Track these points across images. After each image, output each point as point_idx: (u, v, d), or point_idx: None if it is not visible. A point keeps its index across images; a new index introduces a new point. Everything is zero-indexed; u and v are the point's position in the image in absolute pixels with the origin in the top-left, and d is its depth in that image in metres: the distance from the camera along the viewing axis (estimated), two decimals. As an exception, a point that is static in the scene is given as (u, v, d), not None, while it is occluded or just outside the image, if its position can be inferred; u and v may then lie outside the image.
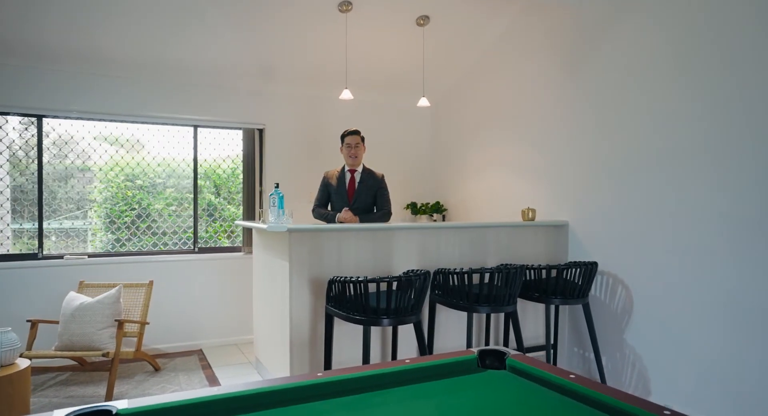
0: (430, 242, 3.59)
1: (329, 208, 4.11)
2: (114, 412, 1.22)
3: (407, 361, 1.62)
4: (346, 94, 4.22)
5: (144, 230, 4.81)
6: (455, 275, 3.17)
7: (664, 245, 3.25)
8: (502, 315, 3.86)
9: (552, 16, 4.12)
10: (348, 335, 3.29)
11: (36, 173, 4.39)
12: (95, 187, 4.76)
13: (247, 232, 4.97)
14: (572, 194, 3.93)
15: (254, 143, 5.08)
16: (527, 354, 3.89)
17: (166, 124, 4.79)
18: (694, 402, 3.08)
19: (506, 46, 4.62)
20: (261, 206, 5.01)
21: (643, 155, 3.38)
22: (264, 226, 3.24)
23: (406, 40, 4.61)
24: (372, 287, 3.14)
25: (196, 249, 4.88)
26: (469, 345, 3.11)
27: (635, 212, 3.44)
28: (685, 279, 3.13)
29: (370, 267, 3.39)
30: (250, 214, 5.06)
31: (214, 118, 4.87)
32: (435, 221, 5.36)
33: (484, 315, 3.78)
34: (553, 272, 3.67)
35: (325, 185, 4.11)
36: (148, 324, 4.01)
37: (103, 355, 3.49)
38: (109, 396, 3.46)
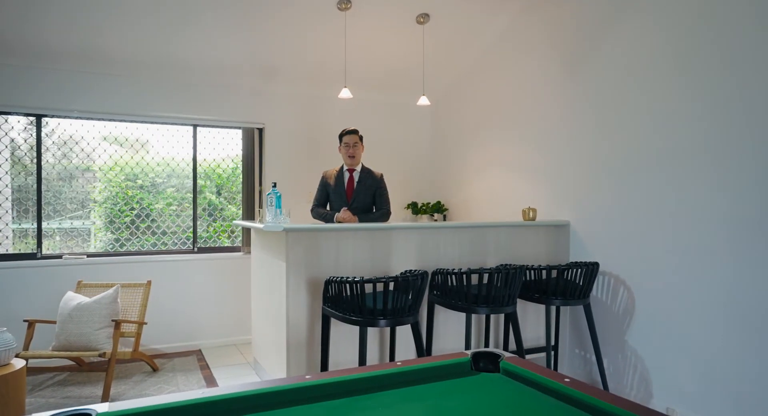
0: (430, 242, 3.55)
1: (328, 208, 4.08)
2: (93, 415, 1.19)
3: (399, 363, 1.59)
4: (345, 93, 4.19)
5: (143, 230, 4.79)
6: (454, 276, 3.13)
7: (667, 246, 3.20)
8: (502, 316, 3.82)
9: (552, 14, 4.08)
10: (345, 336, 3.26)
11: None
12: (94, 187, 4.74)
13: (247, 232, 4.95)
14: (574, 194, 3.88)
15: (253, 142, 5.06)
16: (527, 356, 3.87)
17: (166, 123, 4.78)
18: (696, 403, 3.03)
19: (507, 44, 4.58)
20: (261, 206, 4.99)
21: (645, 154, 3.34)
22: (260, 225, 3.22)
23: (406, 39, 4.57)
24: (370, 287, 3.11)
25: (196, 249, 4.86)
26: (467, 346, 3.08)
27: (637, 212, 3.39)
28: (688, 280, 3.08)
29: (368, 267, 3.35)
30: (249, 214, 5.04)
31: (214, 117, 4.85)
32: (436, 220, 5.32)
33: (484, 316, 3.74)
34: (554, 273, 3.62)
35: (324, 184, 4.08)
36: (145, 324, 3.99)
37: (100, 355, 3.47)
38: (105, 397, 3.44)
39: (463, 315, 3.55)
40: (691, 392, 3.06)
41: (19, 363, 3.08)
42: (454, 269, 3.14)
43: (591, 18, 3.73)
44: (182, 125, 4.84)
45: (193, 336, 4.74)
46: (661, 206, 3.24)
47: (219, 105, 4.86)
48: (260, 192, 5.04)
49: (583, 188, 3.80)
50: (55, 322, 3.76)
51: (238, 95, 4.93)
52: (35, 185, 4.38)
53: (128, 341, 4.10)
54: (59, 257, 4.36)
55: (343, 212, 3.83)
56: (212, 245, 5.02)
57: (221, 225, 5.10)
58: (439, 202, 5.41)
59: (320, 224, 3.38)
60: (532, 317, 3.93)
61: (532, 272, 3.47)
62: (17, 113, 4.28)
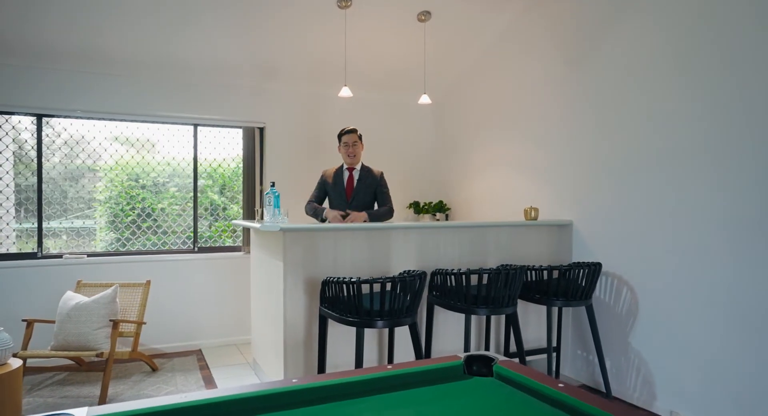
0: (429, 242, 3.51)
1: (327, 206, 4.05)
2: (70, 421, 1.16)
3: (389, 367, 1.55)
4: (345, 92, 4.15)
5: (144, 230, 4.78)
6: (453, 276, 3.08)
7: (669, 246, 3.15)
8: (503, 318, 3.77)
9: (554, 13, 4.02)
10: (343, 337, 3.22)
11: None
12: (96, 187, 4.73)
13: (248, 232, 4.92)
14: (577, 194, 3.83)
15: (254, 141, 5.04)
16: (529, 358, 3.82)
17: (166, 123, 4.76)
18: (700, 406, 2.97)
19: (508, 43, 4.52)
20: (261, 206, 4.96)
21: (647, 154, 3.28)
22: (257, 225, 3.19)
23: (408, 37, 4.53)
24: (368, 288, 3.07)
25: (196, 249, 4.84)
26: (466, 348, 3.03)
27: (640, 212, 3.33)
28: (689, 280, 3.02)
29: (366, 268, 3.32)
30: (250, 213, 5.02)
31: (214, 116, 4.83)
32: (438, 220, 5.28)
33: (484, 318, 3.70)
34: (555, 273, 3.57)
35: (322, 183, 4.05)
36: (144, 324, 3.97)
37: (97, 356, 3.46)
38: (102, 397, 3.42)
39: (463, 316, 3.51)
40: (694, 394, 3.00)
41: (15, 363, 3.06)
42: (453, 269, 3.10)
43: (592, 17, 3.68)
44: (183, 124, 4.82)
45: (194, 336, 4.72)
46: (663, 206, 3.18)
47: (219, 104, 4.84)
48: (261, 192, 5.02)
49: (586, 187, 3.74)
50: (53, 322, 3.75)
51: (239, 95, 4.91)
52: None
53: (128, 341, 4.09)
54: (60, 256, 4.35)
55: (352, 214, 3.69)
56: (213, 245, 5.00)
57: (222, 225, 5.08)
58: (441, 201, 5.36)
59: (318, 224, 3.34)
60: (533, 318, 3.88)
61: (533, 272, 3.42)
62: (18, 113, 4.28)
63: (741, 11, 2.77)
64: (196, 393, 1.31)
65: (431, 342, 3.38)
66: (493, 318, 3.72)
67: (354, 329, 3.15)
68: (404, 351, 3.37)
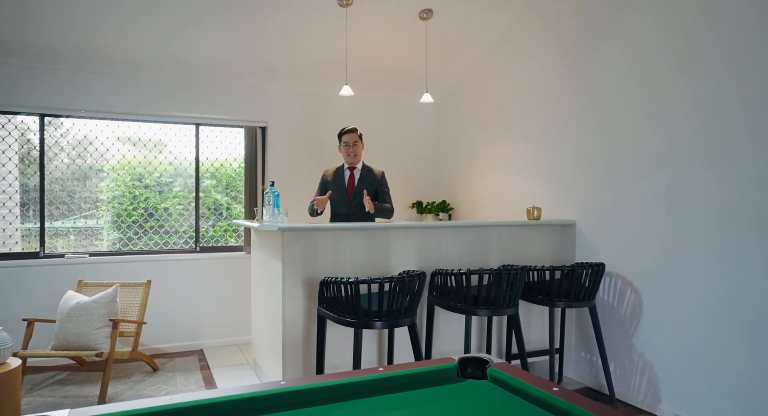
0: (430, 242, 3.47)
1: (329, 206, 4.03)
2: (49, 423, 1.14)
3: (380, 369, 1.52)
4: (347, 91, 4.12)
5: (146, 230, 4.78)
6: (453, 276, 3.05)
7: (675, 246, 3.09)
8: (505, 319, 3.72)
9: (555, 11, 3.97)
10: (343, 337, 3.19)
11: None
12: (99, 186, 4.73)
13: (249, 231, 4.91)
14: (580, 193, 3.77)
15: (256, 141, 5.02)
16: (531, 359, 3.77)
17: (168, 122, 4.76)
18: (706, 410, 2.91)
19: (510, 41, 4.48)
20: (261, 205, 4.95)
21: (653, 153, 3.22)
22: (255, 225, 3.17)
23: (410, 35, 4.49)
24: (368, 288, 3.03)
25: (198, 248, 4.83)
26: (467, 349, 2.99)
27: (645, 212, 3.28)
28: (696, 282, 2.97)
29: (366, 268, 3.28)
30: (252, 213, 5.00)
31: (216, 116, 4.82)
32: (441, 220, 5.24)
33: (486, 319, 3.65)
34: (558, 274, 3.52)
35: (324, 183, 4.03)
36: (145, 323, 3.96)
37: (97, 355, 3.45)
38: (102, 397, 3.41)
39: (463, 316, 3.46)
40: (699, 397, 2.95)
41: (15, 362, 3.06)
42: (453, 269, 3.06)
43: (593, 16, 3.63)
44: (185, 124, 4.82)
45: (195, 336, 4.71)
46: (668, 206, 3.12)
47: (221, 104, 4.82)
48: (263, 191, 5.00)
49: (589, 187, 3.69)
50: (54, 321, 3.75)
51: (240, 94, 4.89)
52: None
53: (129, 341, 4.09)
54: (62, 256, 4.35)
55: (367, 203, 3.71)
56: (215, 245, 4.98)
57: (224, 225, 5.07)
58: (444, 201, 5.32)
59: (317, 224, 3.31)
60: (536, 319, 3.83)
61: (535, 273, 3.38)
62: (21, 113, 4.29)
63: (741, 11, 2.73)
64: (179, 396, 1.28)
65: (432, 344, 3.34)
66: (494, 319, 3.68)
67: (353, 330, 3.11)
68: (404, 352, 3.33)
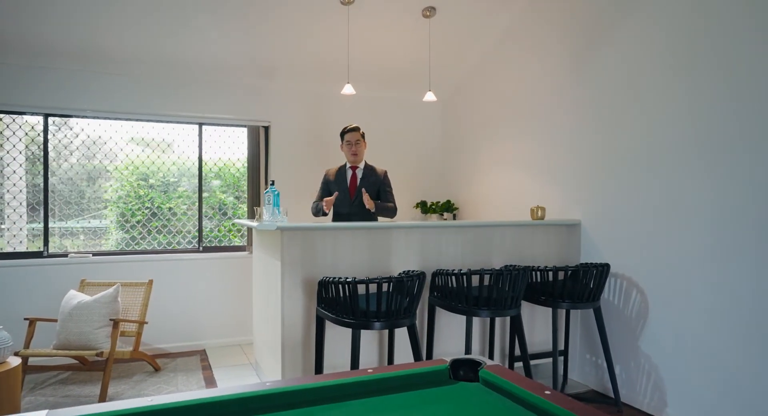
0: (432, 242, 3.43)
1: (332, 208, 4.00)
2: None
3: (369, 370, 1.48)
4: (348, 89, 4.09)
5: (149, 230, 4.78)
6: (454, 277, 3.00)
7: (682, 247, 3.02)
8: (508, 320, 3.67)
9: (560, 8, 3.91)
10: (342, 338, 3.16)
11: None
12: (103, 186, 4.75)
13: (251, 231, 4.89)
14: (586, 193, 3.71)
15: (259, 140, 5.00)
16: (535, 361, 3.71)
17: (171, 121, 4.76)
18: (713, 414, 2.84)
19: (515, 39, 4.42)
20: (261, 205, 4.93)
21: (660, 151, 3.15)
22: (254, 224, 3.14)
23: (413, 33, 4.45)
24: (368, 288, 3.00)
25: (201, 248, 4.82)
26: (467, 351, 2.94)
27: (652, 212, 3.21)
28: (705, 283, 2.89)
29: (366, 268, 3.25)
30: (254, 212, 4.98)
31: (219, 115, 4.81)
32: (445, 219, 5.19)
33: (488, 320, 3.60)
34: (561, 275, 3.46)
35: (326, 182, 4.01)
36: (146, 323, 3.95)
37: (97, 355, 3.44)
38: (102, 397, 3.41)
39: (465, 317, 3.42)
40: (706, 401, 2.87)
41: (14, 362, 3.06)
42: (454, 270, 3.02)
43: (599, 13, 3.56)
44: (188, 123, 4.81)
45: (198, 336, 4.70)
46: (675, 205, 3.06)
47: (224, 103, 4.81)
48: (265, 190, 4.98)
49: (595, 186, 3.63)
50: (56, 320, 3.75)
51: (243, 93, 4.88)
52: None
53: (131, 340, 4.08)
54: (65, 255, 4.36)
55: (367, 202, 3.69)
56: (218, 245, 4.97)
57: (227, 224, 5.06)
58: (449, 201, 5.27)
59: (316, 223, 3.28)
60: (541, 321, 3.77)
61: (538, 273, 3.32)
62: (24, 113, 4.31)
63: (743, 5, 2.65)
64: (160, 397, 1.26)
65: (432, 345, 3.30)
66: (497, 320, 3.62)
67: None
68: (405, 353, 3.28)
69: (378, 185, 3.90)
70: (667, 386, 3.10)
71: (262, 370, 3.78)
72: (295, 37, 4.35)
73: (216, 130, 4.95)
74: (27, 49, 4.08)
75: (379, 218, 3.94)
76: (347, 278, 2.64)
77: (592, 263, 3.25)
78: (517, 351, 3.60)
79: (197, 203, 4.86)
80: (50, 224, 4.44)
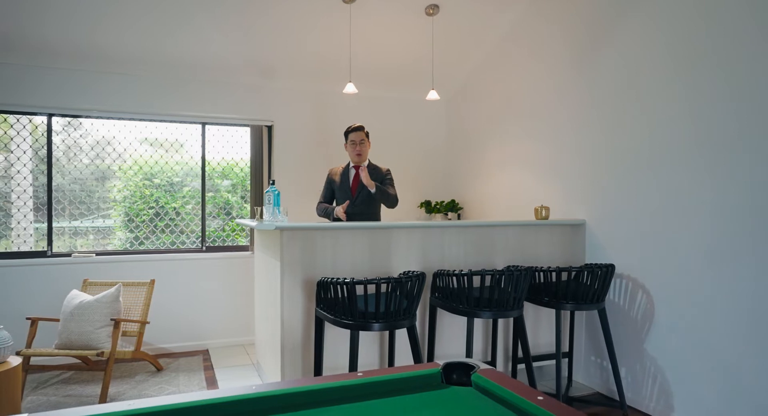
0: (434, 242, 3.39)
1: (334, 204, 3.98)
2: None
3: (360, 374, 1.45)
4: (350, 88, 4.06)
5: (152, 229, 4.78)
6: (455, 277, 2.96)
7: (690, 247, 2.95)
8: (511, 321, 3.62)
9: (564, 6, 3.85)
10: (342, 339, 3.12)
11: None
12: (108, 186, 4.75)
13: (254, 231, 4.87)
14: (591, 192, 3.65)
15: (262, 140, 4.98)
16: (539, 363, 3.66)
17: (174, 121, 4.75)
18: (721, 421, 2.77)
19: (519, 37, 4.36)
20: (261, 204, 4.92)
21: (666, 149, 3.09)
22: (253, 223, 3.12)
23: (416, 31, 4.41)
24: (370, 289, 2.97)
25: (204, 248, 4.82)
26: (469, 353, 2.90)
27: (658, 211, 3.14)
28: (713, 284, 2.83)
29: (367, 268, 3.21)
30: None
31: (223, 115, 4.80)
32: (450, 219, 5.14)
33: (491, 321, 3.55)
34: (564, 275, 3.40)
35: (330, 182, 3.98)
36: (148, 323, 3.95)
37: (98, 355, 3.44)
38: (103, 397, 3.40)
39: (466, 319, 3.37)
40: (714, 405, 2.81)
41: (15, 361, 3.06)
42: (455, 270, 2.97)
43: (603, 10, 3.50)
44: (191, 123, 4.81)
45: (201, 336, 4.69)
46: (682, 205, 2.99)
47: (227, 103, 4.80)
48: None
49: (600, 186, 3.57)
50: (58, 320, 3.76)
51: (246, 93, 4.87)
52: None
53: (134, 340, 4.08)
54: (69, 255, 4.37)
55: (364, 178, 3.67)
56: (221, 245, 4.96)
57: (231, 224, 5.05)
58: (453, 200, 5.22)
59: (315, 223, 3.25)
60: (546, 322, 3.72)
61: (542, 274, 3.26)
62: (28, 113, 4.32)
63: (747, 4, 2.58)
64: (140, 401, 1.23)
65: (434, 347, 3.25)
66: (501, 321, 3.58)
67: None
68: (406, 354, 3.25)
69: (380, 181, 3.87)
70: (673, 389, 3.04)
71: (263, 371, 3.76)
72: (297, 36, 4.33)
73: (219, 129, 4.94)
74: (30, 49, 4.09)
75: (381, 217, 3.91)
76: (345, 278, 2.61)
77: (596, 264, 3.19)
78: (521, 353, 3.55)
79: (200, 203, 4.85)
80: (58, 224, 4.45)
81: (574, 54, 3.78)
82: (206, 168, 4.87)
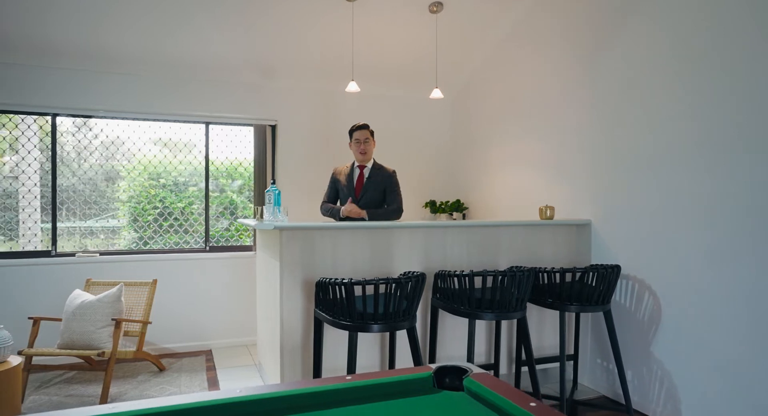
0: (436, 242, 3.34)
1: (338, 205, 3.94)
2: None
3: (348, 378, 1.41)
4: (353, 87, 4.02)
5: (156, 229, 4.78)
6: (456, 278, 2.91)
7: (697, 248, 2.88)
8: (515, 323, 3.56)
9: (569, 3, 3.79)
10: (342, 341, 3.09)
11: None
12: (109, 186, 4.76)
13: (256, 231, 4.86)
14: (597, 192, 3.58)
15: (265, 139, 4.96)
16: (543, 366, 3.60)
17: (178, 121, 4.75)
18: (730, 426, 2.70)
19: (523, 35, 4.30)
20: (262, 204, 4.90)
21: (674, 147, 3.01)
22: (252, 223, 3.09)
23: (420, 29, 4.36)
24: (369, 289, 2.93)
25: (208, 248, 4.81)
26: (470, 355, 2.84)
27: (665, 211, 3.07)
28: (721, 286, 2.75)
29: (367, 269, 3.17)
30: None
31: (226, 115, 4.78)
32: (455, 219, 5.08)
33: (494, 323, 3.50)
34: (568, 276, 3.34)
35: (334, 181, 3.94)
36: (149, 323, 3.94)
37: (98, 355, 3.43)
38: (104, 397, 3.40)
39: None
40: (722, 410, 2.73)
41: (15, 361, 3.06)
42: (456, 271, 2.92)
43: (608, 7, 3.43)
44: (195, 122, 4.80)
45: (204, 336, 4.68)
46: (689, 205, 2.92)
47: (231, 102, 4.79)
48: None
49: (607, 185, 3.50)
50: (60, 320, 3.76)
51: (250, 92, 4.85)
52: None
53: (136, 340, 4.07)
54: (72, 255, 4.38)
55: (349, 205, 3.66)
56: (224, 245, 4.95)
57: (235, 224, 5.03)
58: (458, 200, 5.17)
59: (315, 223, 3.22)
60: (551, 324, 3.65)
61: (546, 275, 3.20)
62: (31, 113, 4.33)
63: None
64: (122, 404, 1.20)
65: (436, 348, 3.21)
66: (504, 323, 3.52)
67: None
68: (407, 356, 3.20)
69: (384, 185, 3.82)
70: (680, 394, 2.97)
71: (265, 372, 3.74)
72: (299, 35, 4.30)
73: (223, 129, 4.93)
74: (32, 49, 4.10)
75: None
76: (343, 279, 2.57)
77: (601, 265, 3.12)
78: (525, 355, 3.49)
79: (204, 202, 4.84)
80: (71, 224, 4.48)
81: (578, 53, 3.72)
82: (211, 168, 4.86)
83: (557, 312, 3.62)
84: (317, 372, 2.92)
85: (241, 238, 5.03)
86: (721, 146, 2.74)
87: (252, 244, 4.98)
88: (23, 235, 4.44)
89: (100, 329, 3.64)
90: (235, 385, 3.76)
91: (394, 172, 3.88)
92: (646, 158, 3.18)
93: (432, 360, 3.19)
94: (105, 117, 4.55)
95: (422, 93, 5.16)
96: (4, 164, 4.38)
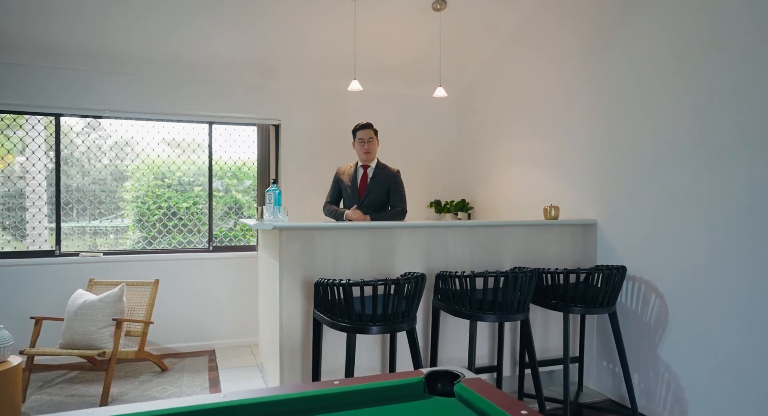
0: (438, 242, 3.29)
1: (341, 206, 3.91)
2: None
3: (336, 382, 1.37)
4: (355, 86, 3.99)
5: (160, 229, 4.77)
6: (457, 279, 2.86)
7: (705, 249, 2.80)
8: (518, 325, 3.50)
9: (574, 0, 3.72)
10: (342, 342, 3.04)
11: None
12: (116, 186, 4.77)
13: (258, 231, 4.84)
14: (603, 192, 3.51)
15: (269, 139, 4.94)
16: (547, 368, 3.54)
17: (181, 121, 4.74)
18: (738, 432, 2.62)
19: (528, 32, 4.24)
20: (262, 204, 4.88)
21: (681, 146, 2.94)
22: (251, 223, 3.07)
23: (423, 27, 4.32)
24: (369, 291, 2.89)
25: (211, 248, 4.80)
26: (471, 357, 2.80)
27: (672, 211, 3.00)
28: (729, 288, 2.68)
29: (368, 269, 3.13)
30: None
31: (230, 114, 4.77)
32: (460, 219, 5.03)
33: (497, 325, 3.44)
34: (573, 277, 3.27)
35: (337, 181, 3.91)
36: (151, 323, 3.93)
37: (99, 355, 3.43)
38: (104, 397, 3.39)
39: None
40: (730, 415, 2.66)
41: (15, 360, 3.06)
42: (457, 271, 2.88)
43: (613, 5, 3.37)
44: (198, 122, 4.79)
45: (207, 336, 4.67)
46: (697, 205, 2.84)
47: (234, 102, 4.77)
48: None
49: (612, 185, 3.43)
50: (62, 320, 3.76)
51: (253, 92, 4.83)
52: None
53: (137, 340, 4.07)
54: (76, 255, 4.39)
55: (353, 211, 3.64)
56: (228, 245, 4.94)
57: (237, 224, 5.02)
58: (463, 200, 5.11)
59: (315, 223, 3.19)
60: (556, 326, 3.59)
61: (549, 276, 3.14)
62: (36, 113, 4.35)
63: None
64: (102, 409, 1.17)
65: (437, 350, 3.16)
66: (507, 325, 3.46)
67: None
68: (408, 358, 3.15)
69: (388, 185, 3.78)
70: (687, 397, 2.89)
71: (266, 372, 3.71)
72: (301, 34, 4.27)
73: (227, 129, 4.91)
74: (36, 49, 4.11)
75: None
76: (342, 279, 2.53)
77: (606, 266, 3.06)
78: (528, 358, 3.43)
79: (208, 202, 4.84)
80: (77, 224, 4.49)
81: (583, 52, 3.65)
82: (215, 168, 4.85)
83: (561, 314, 3.56)
84: (316, 375, 2.89)
85: (245, 237, 5.02)
86: (733, 146, 2.66)
87: (256, 244, 4.96)
88: (29, 235, 4.45)
89: (101, 329, 3.63)
90: (236, 386, 3.74)
91: (398, 171, 3.84)
92: (654, 157, 3.11)
93: (434, 362, 3.15)
94: (109, 117, 4.55)
95: (426, 92, 5.11)
96: (9, 165, 4.39)
